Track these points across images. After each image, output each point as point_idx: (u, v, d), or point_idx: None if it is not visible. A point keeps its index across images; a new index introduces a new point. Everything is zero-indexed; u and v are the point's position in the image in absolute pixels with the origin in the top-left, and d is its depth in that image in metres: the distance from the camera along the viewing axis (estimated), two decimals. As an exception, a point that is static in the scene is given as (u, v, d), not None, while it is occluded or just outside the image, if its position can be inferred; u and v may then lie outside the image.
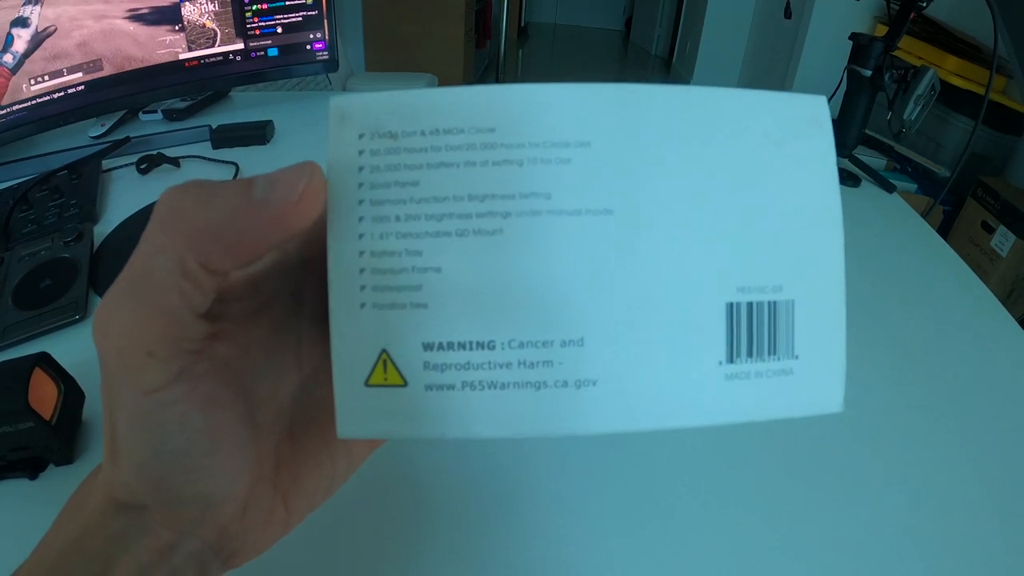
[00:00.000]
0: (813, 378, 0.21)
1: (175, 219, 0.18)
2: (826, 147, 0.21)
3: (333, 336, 0.20)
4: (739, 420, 0.20)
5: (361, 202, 0.20)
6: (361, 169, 0.20)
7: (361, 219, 0.20)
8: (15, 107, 0.75)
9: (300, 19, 0.89)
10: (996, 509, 0.44)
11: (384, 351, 0.20)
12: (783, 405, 0.21)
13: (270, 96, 1.04)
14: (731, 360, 0.20)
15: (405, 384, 0.20)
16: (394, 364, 0.20)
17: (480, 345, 0.20)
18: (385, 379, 0.20)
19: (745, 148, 0.20)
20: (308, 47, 0.92)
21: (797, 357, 0.21)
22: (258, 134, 0.87)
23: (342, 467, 0.24)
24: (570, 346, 0.20)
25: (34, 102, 0.77)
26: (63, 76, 0.78)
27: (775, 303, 0.20)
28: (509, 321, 0.20)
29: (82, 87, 0.79)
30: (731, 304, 0.20)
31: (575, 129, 0.20)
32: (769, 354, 0.20)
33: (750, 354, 0.20)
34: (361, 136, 0.20)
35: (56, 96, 0.78)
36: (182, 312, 0.18)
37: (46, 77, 0.77)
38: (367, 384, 0.20)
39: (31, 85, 0.76)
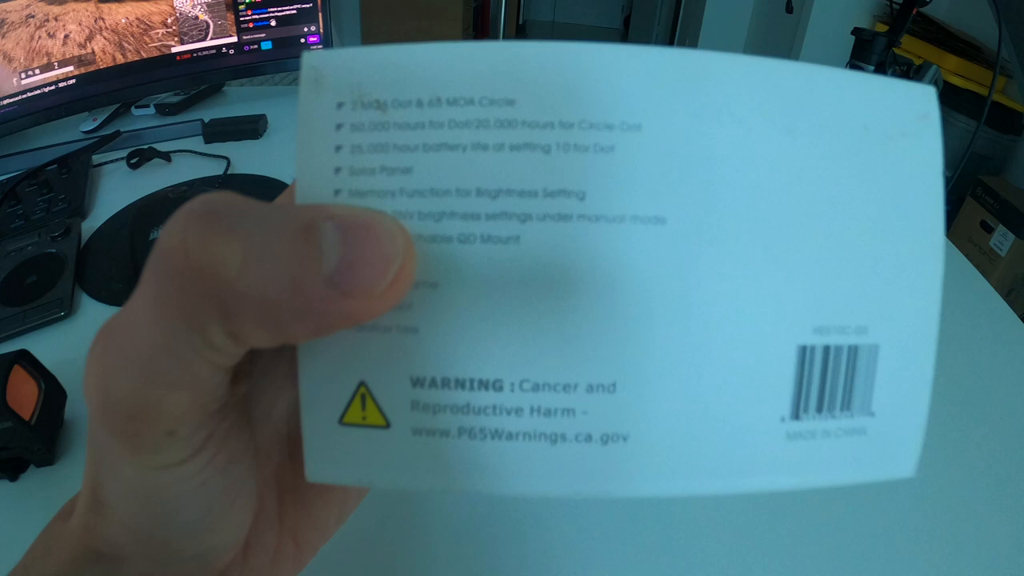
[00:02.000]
0: (888, 440, 0.17)
1: (201, 277, 0.13)
2: (934, 150, 0.16)
3: (300, 362, 0.16)
4: (797, 487, 0.17)
5: (338, 192, 0.15)
6: (339, 149, 0.15)
7: None
8: (5, 101, 0.74)
9: (295, 12, 0.88)
10: (999, 505, 0.43)
11: (363, 383, 0.16)
12: (850, 470, 0.17)
13: (264, 90, 1.03)
14: (796, 416, 0.16)
15: (387, 425, 0.16)
16: (374, 400, 0.16)
17: (484, 384, 0.16)
18: (363, 418, 0.16)
19: (840, 145, 0.16)
20: (303, 40, 0.91)
21: (873, 415, 0.17)
22: (251, 128, 0.86)
23: (353, 489, 0.21)
24: (598, 392, 0.16)
25: (25, 96, 0.75)
26: (54, 70, 0.77)
27: (856, 348, 0.16)
28: (523, 356, 0.16)
29: (73, 81, 0.78)
30: (804, 347, 0.16)
31: (622, 106, 0.15)
32: (842, 410, 0.16)
33: (819, 410, 0.16)
34: (340, 106, 0.15)
35: (47, 90, 0.77)
36: (212, 379, 0.14)
37: (37, 71, 0.75)
38: (341, 422, 0.16)
39: (22, 79, 0.75)
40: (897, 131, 0.16)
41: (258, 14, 0.87)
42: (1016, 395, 0.52)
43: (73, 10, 0.75)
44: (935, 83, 0.80)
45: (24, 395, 0.41)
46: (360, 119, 0.16)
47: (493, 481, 0.16)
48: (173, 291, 0.13)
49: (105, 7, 0.77)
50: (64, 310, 0.55)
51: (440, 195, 0.15)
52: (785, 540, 0.41)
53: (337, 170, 0.15)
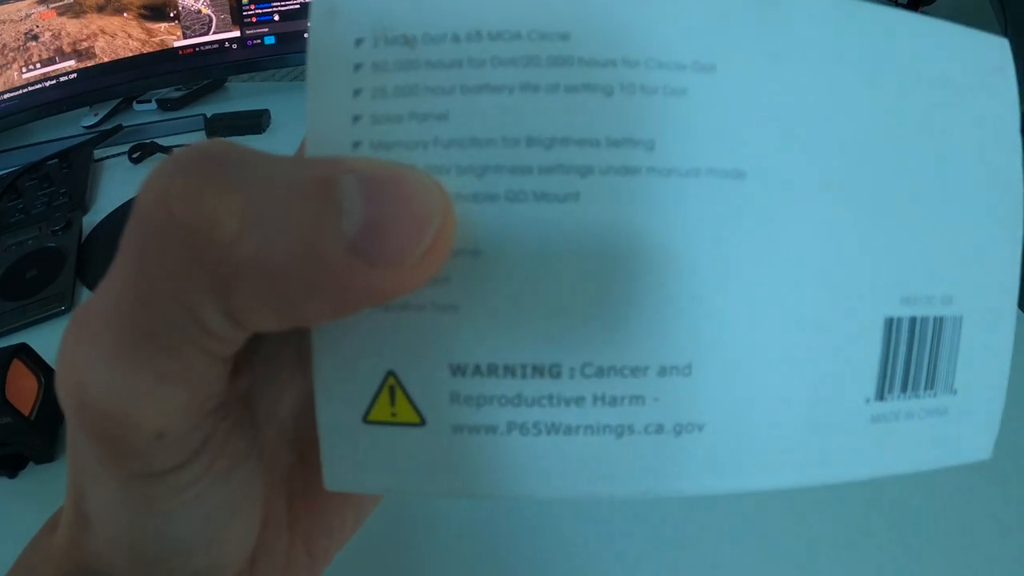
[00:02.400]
0: (968, 420, 0.16)
1: (195, 242, 0.11)
2: (1011, 106, 0.15)
3: (314, 348, 0.13)
4: (879, 475, 0.15)
5: (357, 145, 0.13)
6: (358, 93, 0.13)
7: None
8: (7, 95, 0.74)
9: (297, 6, 0.87)
10: (997, 505, 0.43)
11: (391, 374, 0.14)
12: (930, 454, 0.15)
13: (266, 86, 1.02)
14: (880, 397, 0.15)
15: (422, 422, 0.14)
16: (406, 393, 0.14)
17: (538, 371, 0.13)
18: (393, 415, 0.14)
19: (923, 98, 0.14)
20: (306, 36, 0.90)
21: (955, 392, 0.15)
22: (254, 123, 0.85)
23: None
24: (672, 375, 0.14)
25: (26, 90, 0.75)
26: (56, 64, 0.76)
27: (942, 319, 0.15)
28: (583, 336, 0.13)
29: (75, 75, 0.78)
30: (891, 320, 0.14)
31: (695, 44, 0.13)
32: (926, 389, 0.15)
33: (904, 389, 0.15)
34: (359, 42, 0.13)
35: (48, 84, 0.77)
36: (209, 370, 0.12)
37: (39, 65, 0.75)
38: (365, 420, 0.14)
39: (23, 72, 0.74)
40: (975, 84, 0.15)
41: (261, 8, 0.86)
42: (1016, 395, 0.52)
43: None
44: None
45: (24, 390, 0.41)
46: (383, 57, 0.13)
47: (550, 484, 0.14)
48: (156, 260, 0.11)
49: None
50: (65, 304, 0.55)
51: (483, 145, 0.13)
52: (785, 540, 0.40)
53: (356, 119, 0.13)
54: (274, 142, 0.85)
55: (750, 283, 0.14)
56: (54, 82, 0.77)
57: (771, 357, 0.14)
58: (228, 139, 0.12)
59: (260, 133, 0.85)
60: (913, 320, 0.15)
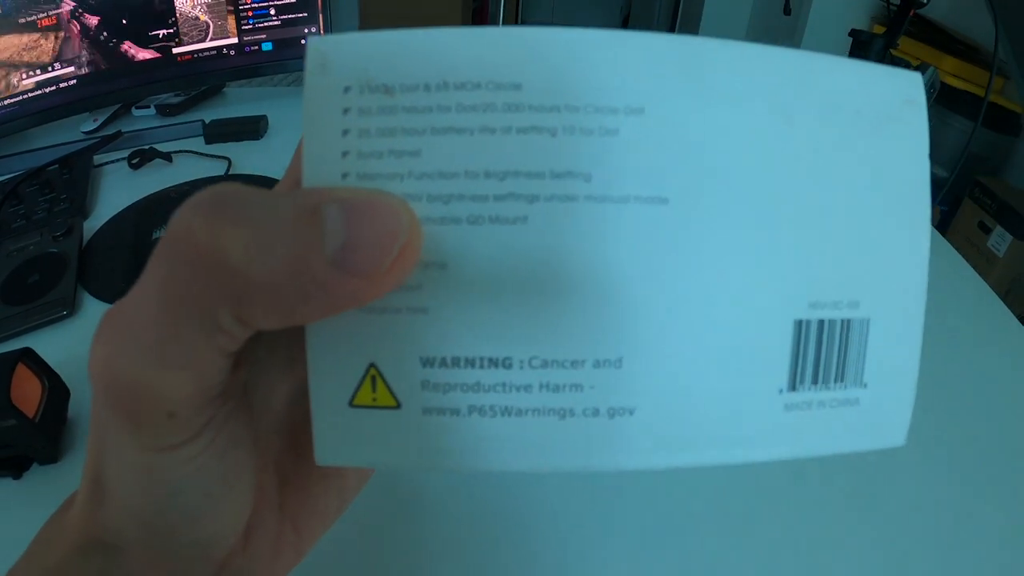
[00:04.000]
0: (880, 410, 0.18)
1: (209, 263, 0.13)
2: (920, 135, 0.17)
3: (309, 343, 0.16)
4: (793, 456, 0.17)
5: (346, 176, 0.15)
6: (346, 133, 0.16)
7: None
8: (6, 101, 0.74)
9: (294, 1, 0.88)
10: (996, 505, 0.43)
11: (373, 365, 0.16)
12: (843, 440, 0.18)
13: (264, 91, 1.03)
14: (793, 388, 0.17)
15: (398, 406, 0.16)
16: (385, 382, 0.16)
17: (493, 362, 0.16)
18: (374, 399, 0.16)
19: (831, 130, 0.16)
20: (303, 41, 0.91)
21: (866, 386, 0.17)
22: (252, 129, 0.86)
23: (353, 477, 0.21)
24: (605, 367, 0.16)
25: (25, 96, 0.76)
26: (55, 70, 0.77)
27: (849, 322, 0.17)
28: (531, 334, 0.16)
29: (74, 81, 0.79)
30: (800, 322, 0.17)
31: (626, 90, 0.16)
32: (836, 382, 0.17)
33: (815, 381, 0.17)
34: (347, 90, 0.16)
35: (48, 91, 0.77)
36: (214, 363, 0.15)
37: (38, 71, 0.76)
38: (351, 404, 0.16)
39: (23, 79, 0.75)
40: (886, 115, 0.17)
41: (259, 15, 0.87)
42: (1014, 395, 0.53)
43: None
44: (932, 85, 0.80)
45: (28, 393, 0.42)
46: (367, 103, 0.16)
47: (504, 458, 0.16)
48: (182, 278, 0.14)
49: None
50: (67, 309, 0.55)
51: (449, 177, 0.15)
52: (783, 538, 0.41)
53: (345, 154, 0.16)
54: (271, 148, 0.85)
55: (672, 291, 0.16)
56: (53, 88, 0.77)
57: (691, 353, 0.16)
58: (239, 180, 0.15)
59: (258, 139, 0.86)
60: (821, 322, 0.17)
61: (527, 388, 0.16)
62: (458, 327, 0.16)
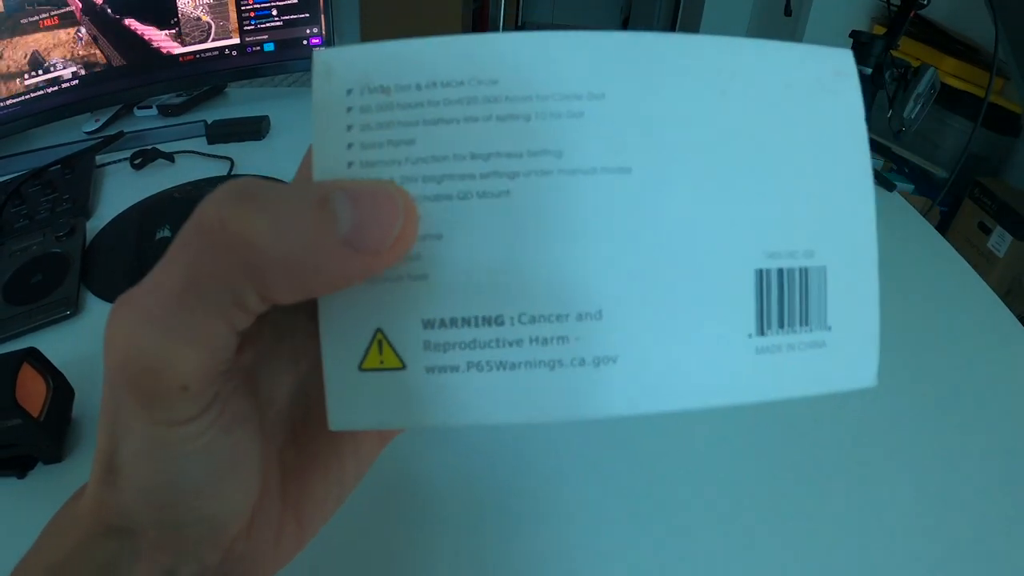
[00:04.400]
0: (847, 351, 0.19)
1: (236, 245, 0.15)
2: (854, 100, 0.19)
3: (321, 315, 0.18)
4: (771, 397, 0.19)
5: (351, 164, 0.18)
6: (350, 128, 0.18)
7: None
8: (8, 101, 0.74)
9: (295, 1, 0.88)
10: (996, 504, 0.43)
11: (379, 330, 0.18)
12: (816, 380, 0.19)
13: (266, 92, 1.03)
14: (761, 332, 0.19)
15: (403, 367, 0.18)
16: (391, 345, 0.18)
17: (486, 321, 0.18)
18: (381, 362, 0.18)
19: (767, 100, 0.19)
20: (304, 42, 0.91)
21: (830, 328, 0.19)
22: (254, 129, 0.86)
23: (351, 469, 0.22)
24: (587, 320, 0.18)
25: (28, 96, 0.76)
26: (57, 70, 0.77)
27: (807, 270, 0.19)
28: (518, 293, 0.18)
29: (76, 82, 0.79)
30: (761, 271, 0.19)
31: (587, 79, 0.18)
32: (801, 325, 0.19)
33: (781, 325, 0.19)
34: (349, 92, 0.18)
35: (50, 91, 0.77)
36: (226, 340, 0.16)
37: (40, 71, 0.76)
38: (361, 368, 0.18)
39: (25, 79, 0.75)
40: (817, 86, 0.19)
41: (261, 15, 0.87)
42: (1014, 396, 0.53)
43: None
44: (932, 85, 0.80)
45: (33, 393, 0.42)
46: (367, 102, 0.18)
47: (501, 410, 0.18)
48: (207, 259, 0.15)
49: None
50: (70, 309, 0.56)
51: (440, 160, 0.18)
52: (785, 538, 0.41)
53: (349, 146, 0.18)
54: (274, 148, 0.86)
55: (640, 247, 0.18)
56: (55, 89, 0.77)
57: (663, 302, 0.18)
58: (254, 176, 0.16)
59: (260, 139, 0.86)
60: (780, 271, 0.19)
61: (518, 343, 0.18)
62: (454, 290, 0.18)
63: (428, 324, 0.18)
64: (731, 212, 0.18)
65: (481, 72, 0.18)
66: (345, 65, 0.18)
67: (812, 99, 0.19)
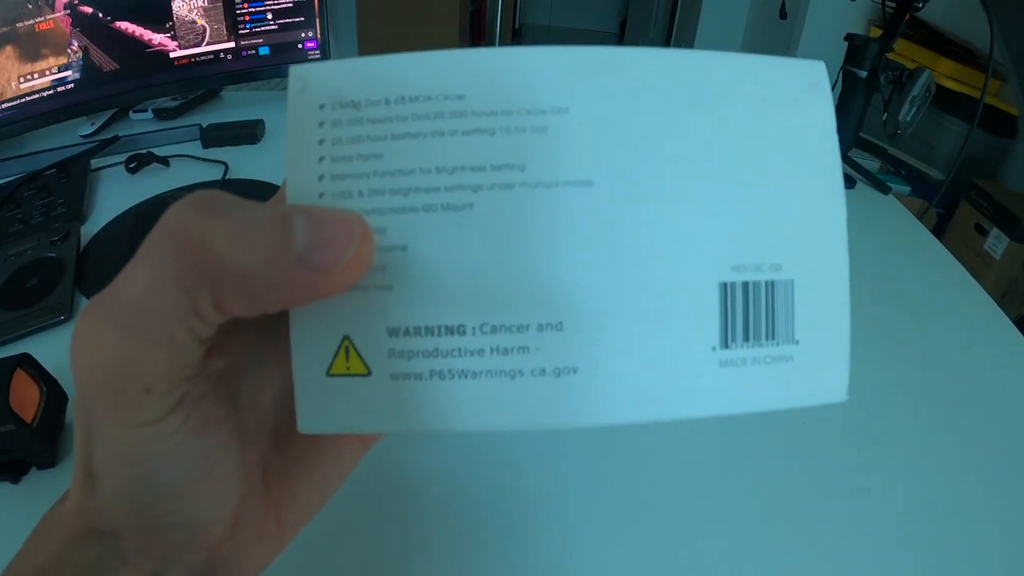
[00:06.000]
0: (815, 365, 0.19)
1: (196, 250, 0.15)
2: (826, 113, 0.19)
3: (292, 321, 0.18)
4: (736, 411, 0.19)
5: (322, 178, 0.18)
6: (322, 142, 0.18)
7: (322, 195, 0.18)
8: (4, 105, 0.74)
9: (290, 4, 0.88)
10: (991, 508, 0.43)
11: (346, 338, 0.18)
12: (783, 394, 0.19)
13: (261, 95, 1.03)
14: (725, 345, 0.18)
15: (369, 373, 0.18)
16: (357, 352, 0.18)
17: (449, 330, 0.18)
18: (348, 368, 0.18)
19: (738, 113, 0.19)
20: (300, 46, 0.91)
21: (798, 342, 0.19)
22: (249, 133, 0.86)
23: (333, 473, 0.23)
24: (547, 331, 0.18)
25: (23, 100, 0.76)
26: (53, 74, 0.77)
27: (773, 283, 0.19)
28: (480, 304, 0.18)
29: (72, 85, 0.79)
30: (725, 284, 0.18)
31: (552, 94, 0.18)
32: (767, 339, 0.19)
33: (746, 339, 0.19)
34: (322, 107, 0.18)
35: (45, 94, 0.77)
36: (187, 345, 0.16)
37: (35, 75, 0.76)
38: (328, 374, 0.18)
39: (20, 83, 0.75)
40: (790, 98, 0.19)
41: (256, 19, 0.87)
42: (1010, 398, 0.53)
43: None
44: (927, 88, 0.80)
45: (26, 398, 0.42)
46: (339, 117, 0.18)
47: (464, 418, 0.18)
48: (169, 263, 0.16)
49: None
50: (64, 314, 0.56)
51: (406, 174, 0.18)
52: (780, 542, 0.41)
53: (321, 159, 0.18)
54: (268, 152, 0.86)
55: (601, 261, 0.18)
56: (51, 92, 0.77)
57: (625, 314, 0.18)
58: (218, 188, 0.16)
59: (255, 143, 0.86)
60: (745, 284, 0.19)
61: (480, 352, 0.18)
62: (418, 300, 0.18)
63: (393, 332, 0.18)
64: (697, 225, 0.18)
65: (449, 87, 0.18)
66: (319, 81, 0.18)
67: (784, 112, 0.19)
